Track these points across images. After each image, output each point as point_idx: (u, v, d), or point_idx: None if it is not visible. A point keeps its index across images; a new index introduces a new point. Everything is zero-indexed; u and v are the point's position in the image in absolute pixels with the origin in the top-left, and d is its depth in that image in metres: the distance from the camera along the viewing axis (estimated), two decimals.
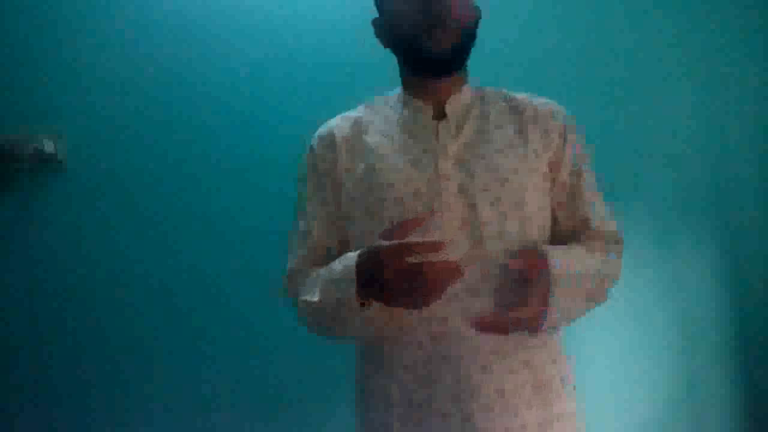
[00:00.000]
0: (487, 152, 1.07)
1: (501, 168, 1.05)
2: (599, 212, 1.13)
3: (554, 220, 1.13)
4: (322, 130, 1.19)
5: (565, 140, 1.12)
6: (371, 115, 1.17)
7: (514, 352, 1.02)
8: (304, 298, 1.07)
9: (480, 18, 1.13)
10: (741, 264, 1.97)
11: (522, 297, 0.99)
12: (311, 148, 1.18)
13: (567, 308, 1.02)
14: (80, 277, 1.73)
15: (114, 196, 1.76)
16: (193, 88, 1.81)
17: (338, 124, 1.17)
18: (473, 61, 1.16)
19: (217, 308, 1.75)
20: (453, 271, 0.86)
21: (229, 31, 1.84)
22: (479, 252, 1.01)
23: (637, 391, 1.88)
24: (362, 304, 0.97)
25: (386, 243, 0.90)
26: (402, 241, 0.89)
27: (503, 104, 1.15)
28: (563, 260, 1.01)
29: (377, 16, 1.17)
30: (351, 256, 0.98)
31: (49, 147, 1.73)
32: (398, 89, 1.18)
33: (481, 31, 1.13)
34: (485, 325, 0.93)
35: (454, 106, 1.12)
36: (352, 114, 1.19)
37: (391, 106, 1.17)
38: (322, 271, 1.06)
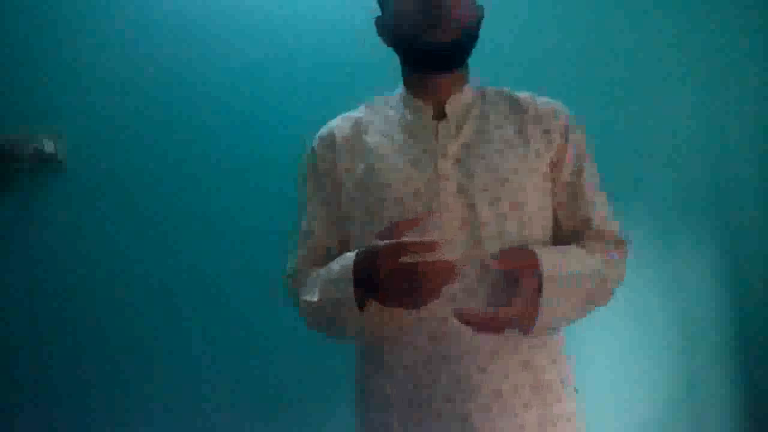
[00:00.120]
0: (487, 152, 1.06)
1: (500, 168, 1.05)
2: (601, 213, 1.11)
3: (556, 220, 1.12)
4: (322, 130, 1.19)
5: (566, 140, 1.11)
6: (372, 116, 1.17)
7: (512, 352, 1.02)
8: (304, 298, 1.08)
9: (482, 18, 1.13)
10: (741, 264, 1.97)
11: (511, 296, 0.98)
12: (312, 148, 1.18)
13: (561, 309, 1.00)
14: (80, 277, 1.73)
15: (114, 196, 1.76)
16: (193, 88, 1.81)
17: (338, 124, 1.18)
18: (474, 61, 1.16)
19: (217, 308, 1.76)
20: (449, 271, 0.85)
21: (229, 31, 1.84)
22: (478, 252, 1.01)
23: (637, 391, 1.88)
24: (361, 304, 0.97)
25: (382, 242, 0.90)
26: (397, 240, 0.89)
27: (504, 104, 1.14)
28: (556, 261, 0.99)
29: (379, 15, 1.17)
30: (349, 256, 0.99)
31: (49, 147, 1.73)
32: (399, 89, 1.18)
33: (481, 31, 1.13)
34: (470, 319, 0.92)
35: (454, 105, 1.11)
36: (353, 114, 1.19)
37: (391, 106, 1.17)
38: (322, 271, 1.06)
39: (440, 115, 1.11)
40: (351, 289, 0.95)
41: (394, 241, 0.89)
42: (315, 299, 1.03)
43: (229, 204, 1.79)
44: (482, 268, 0.99)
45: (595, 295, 1.07)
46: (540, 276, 0.97)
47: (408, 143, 1.09)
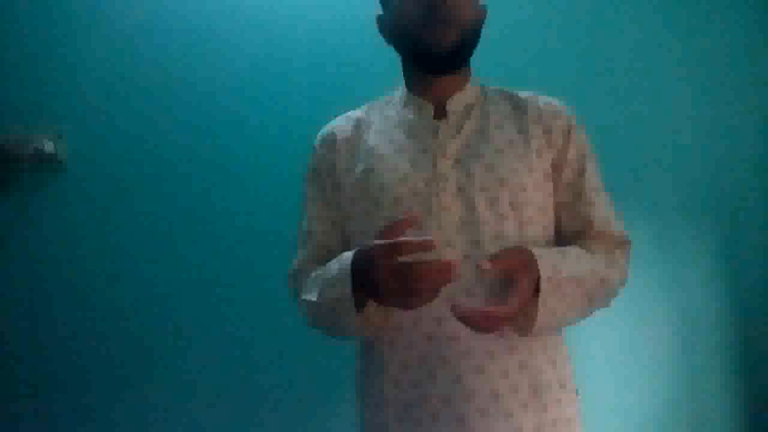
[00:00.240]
0: (487, 152, 1.06)
1: (500, 168, 1.04)
2: (603, 213, 1.10)
3: (558, 221, 1.12)
4: (323, 130, 1.19)
5: (568, 140, 1.10)
6: (373, 115, 1.17)
7: (510, 353, 1.01)
8: (303, 297, 1.08)
9: (485, 18, 1.13)
10: (741, 264, 1.97)
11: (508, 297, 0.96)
12: (314, 148, 1.19)
13: (561, 310, 0.99)
14: (80, 276, 1.73)
15: (114, 196, 1.76)
16: (192, 88, 1.81)
17: (340, 124, 1.18)
18: (475, 60, 1.16)
19: (217, 308, 1.76)
20: (446, 271, 0.85)
21: (229, 32, 1.84)
22: (476, 253, 1.00)
23: (637, 391, 1.88)
24: (360, 304, 0.97)
25: (378, 242, 0.90)
26: (393, 240, 0.89)
27: (506, 103, 1.14)
28: (555, 261, 0.98)
29: (381, 13, 1.16)
30: (347, 256, 0.98)
31: (49, 147, 1.73)
32: (401, 88, 1.18)
33: (483, 30, 1.13)
34: (465, 313, 0.91)
35: (455, 105, 1.11)
36: (355, 114, 1.19)
37: (393, 106, 1.17)
38: (321, 270, 1.06)
39: (441, 114, 1.11)
40: (349, 289, 0.95)
41: (390, 240, 0.88)
42: (314, 298, 1.03)
43: (228, 204, 1.79)
44: (478, 269, 0.98)
45: (596, 297, 1.05)
46: (537, 277, 0.96)
47: (408, 143, 1.09)
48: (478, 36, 1.11)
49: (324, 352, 1.64)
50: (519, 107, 1.13)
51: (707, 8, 2.03)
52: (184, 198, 1.78)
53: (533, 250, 0.98)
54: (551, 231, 1.11)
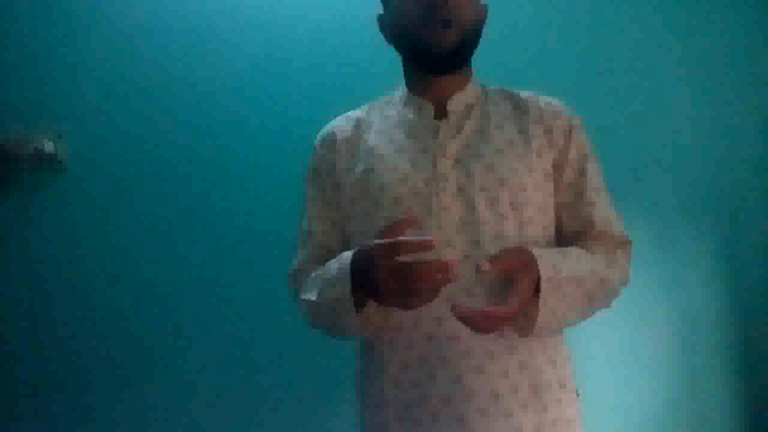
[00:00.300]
0: (487, 152, 1.06)
1: (500, 168, 1.04)
2: (603, 213, 1.10)
3: (559, 221, 1.11)
4: (323, 130, 1.19)
5: (569, 140, 1.10)
6: (373, 115, 1.17)
7: (510, 353, 1.01)
8: (303, 297, 1.08)
9: (486, 18, 1.13)
10: (741, 264, 1.97)
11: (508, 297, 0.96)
12: (314, 148, 1.19)
13: (561, 311, 0.99)
14: (80, 276, 1.73)
15: (114, 196, 1.76)
16: (192, 88, 1.81)
17: (340, 124, 1.18)
18: (475, 60, 1.16)
19: (218, 308, 1.76)
20: (444, 271, 0.84)
21: (229, 32, 1.84)
22: (476, 253, 1.00)
23: (637, 391, 1.88)
24: (360, 304, 0.97)
25: (378, 241, 0.90)
26: (392, 239, 0.88)
27: (507, 103, 1.14)
28: (555, 262, 0.98)
29: (382, 13, 1.16)
30: (347, 255, 0.98)
31: (49, 147, 1.73)
32: (401, 88, 1.18)
33: (483, 30, 1.13)
34: (464, 312, 0.90)
35: (456, 105, 1.11)
36: (355, 114, 1.19)
37: (393, 106, 1.17)
38: (321, 270, 1.06)
39: (442, 114, 1.11)
40: (348, 289, 0.95)
41: (389, 240, 0.88)
42: (314, 298, 1.03)
43: (228, 204, 1.79)
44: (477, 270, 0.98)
45: (597, 297, 1.04)
46: (538, 277, 0.96)
47: (408, 143, 1.09)
48: (479, 36, 1.11)
49: (324, 352, 1.64)
50: (520, 107, 1.13)
51: (707, 8, 2.03)
52: (184, 198, 1.78)
53: (533, 251, 0.97)
54: (552, 231, 1.10)
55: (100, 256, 1.74)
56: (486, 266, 0.91)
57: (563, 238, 1.12)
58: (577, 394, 1.09)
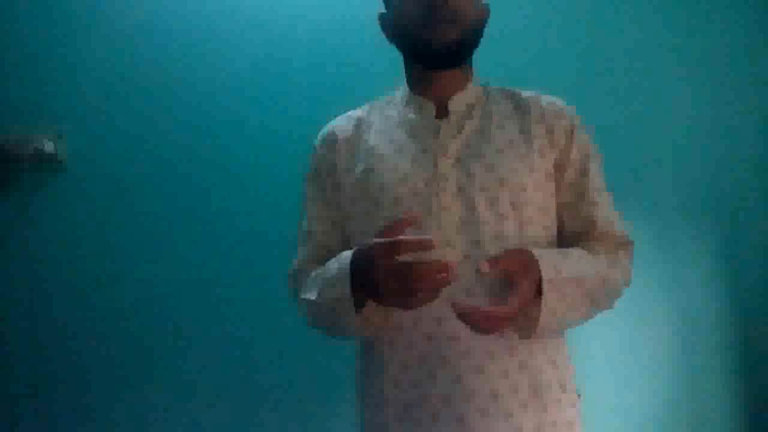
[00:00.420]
0: (487, 152, 1.06)
1: (500, 168, 1.04)
2: (605, 213, 1.10)
3: (560, 221, 1.11)
4: (324, 130, 1.19)
5: (571, 140, 1.10)
6: (374, 115, 1.17)
7: (510, 353, 1.01)
8: (303, 297, 1.08)
9: (487, 18, 1.13)
10: (741, 264, 1.97)
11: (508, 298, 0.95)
12: (314, 148, 1.19)
13: (562, 311, 0.98)
14: (80, 276, 1.73)
15: (114, 196, 1.76)
16: (192, 88, 1.81)
17: (340, 124, 1.18)
18: (475, 60, 1.16)
19: (218, 308, 1.75)
20: (443, 272, 0.84)
21: (229, 32, 1.84)
22: (476, 253, 1.00)
23: (637, 391, 1.88)
24: (360, 304, 0.97)
25: (378, 240, 0.90)
26: (391, 239, 0.88)
27: (508, 103, 1.13)
28: (556, 262, 0.97)
29: (383, 12, 1.16)
30: (346, 255, 0.98)
31: (49, 147, 1.73)
32: (402, 87, 1.18)
33: (484, 29, 1.12)
34: (464, 310, 0.90)
35: (457, 104, 1.11)
36: (356, 113, 1.19)
37: (394, 105, 1.16)
38: (321, 270, 1.06)
39: (443, 113, 1.11)
40: (348, 289, 0.95)
41: (389, 239, 0.88)
42: (314, 298, 1.03)
43: (228, 204, 1.79)
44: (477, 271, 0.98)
45: (598, 297, 1.04)
46: (539, 278, 0.95)
47: (408, 142, 1.09)
48: (480, 36, 1.11)
49: (324, 352, 1.64)
50: (521, 107, 1.12)
51: (707, 8, 2.03)
52: (184, 198, 1.78)
53: (534, 251, 0.97)
54: (553, 231, 1.10)
55: (100, 256, 1.74)
56: (485, 268, 0.91)
57: (564, 238, 1.11)
58: (579, 396, 1.09)
